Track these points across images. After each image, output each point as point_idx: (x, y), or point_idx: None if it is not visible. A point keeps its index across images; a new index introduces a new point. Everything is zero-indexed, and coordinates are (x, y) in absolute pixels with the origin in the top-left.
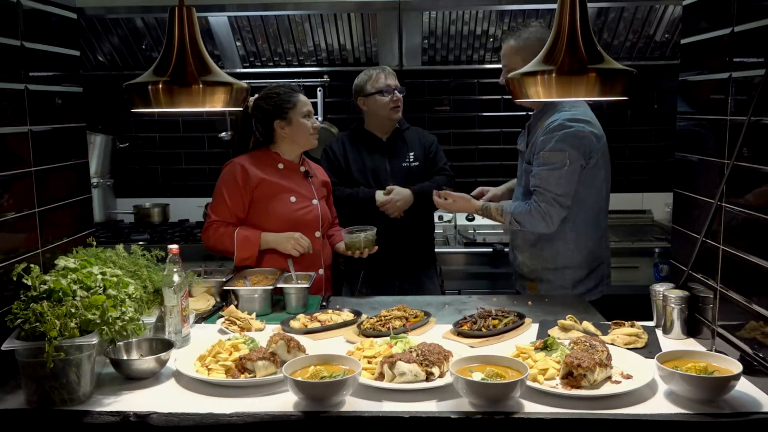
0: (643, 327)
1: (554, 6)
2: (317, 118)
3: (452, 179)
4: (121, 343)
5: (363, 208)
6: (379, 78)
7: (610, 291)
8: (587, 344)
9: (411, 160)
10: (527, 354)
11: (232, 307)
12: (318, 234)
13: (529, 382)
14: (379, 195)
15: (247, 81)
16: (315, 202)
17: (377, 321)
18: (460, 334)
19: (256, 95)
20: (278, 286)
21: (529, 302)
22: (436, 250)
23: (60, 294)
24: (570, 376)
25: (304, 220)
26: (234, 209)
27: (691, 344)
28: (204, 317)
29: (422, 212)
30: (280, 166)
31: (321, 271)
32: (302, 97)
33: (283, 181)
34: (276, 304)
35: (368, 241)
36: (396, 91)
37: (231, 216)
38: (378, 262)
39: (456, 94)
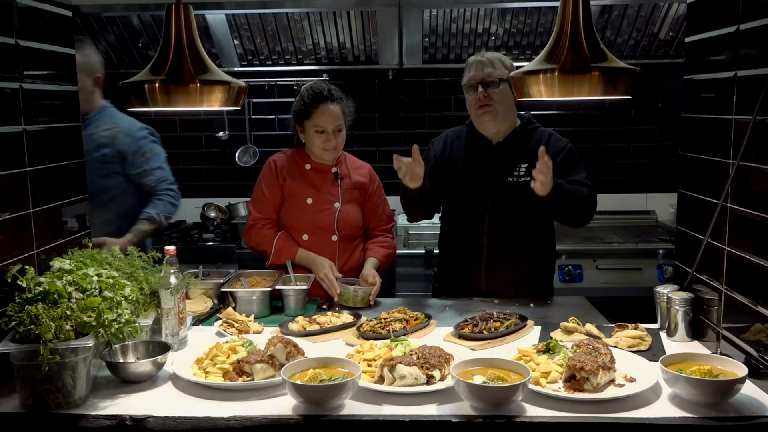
0: (647, 329)
1: (556, 3)
2: None
3: (592, 199)
4: (117, 346)
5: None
6: (466, 71)
7: (614, 293)
8: (590, 347)
9: (521, 174)
10: (529, 357)
11: (229, 309)
12: (335, 238)
13: (531, 386)
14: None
15: (246, 80)
16: (337, 205)
17: (377, 323)
18: (462, 336)
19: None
20: (276, 288)
21: (532, 304)
22: None
23: (55, 296)
24: (573, 380)
25: (320, 223)
26: (274, 203)
27: (696, 347)
28: (201, 319)
29: (540, 231)
30: (307, 167)
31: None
32: (322, 110)
33: (304, 183)
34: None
35: (361, 299)
36: (481, 86)
37: (272, 210)
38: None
39: (457, 92)
